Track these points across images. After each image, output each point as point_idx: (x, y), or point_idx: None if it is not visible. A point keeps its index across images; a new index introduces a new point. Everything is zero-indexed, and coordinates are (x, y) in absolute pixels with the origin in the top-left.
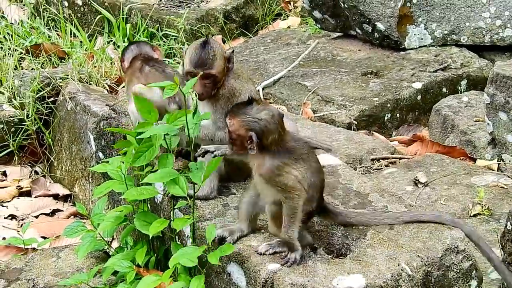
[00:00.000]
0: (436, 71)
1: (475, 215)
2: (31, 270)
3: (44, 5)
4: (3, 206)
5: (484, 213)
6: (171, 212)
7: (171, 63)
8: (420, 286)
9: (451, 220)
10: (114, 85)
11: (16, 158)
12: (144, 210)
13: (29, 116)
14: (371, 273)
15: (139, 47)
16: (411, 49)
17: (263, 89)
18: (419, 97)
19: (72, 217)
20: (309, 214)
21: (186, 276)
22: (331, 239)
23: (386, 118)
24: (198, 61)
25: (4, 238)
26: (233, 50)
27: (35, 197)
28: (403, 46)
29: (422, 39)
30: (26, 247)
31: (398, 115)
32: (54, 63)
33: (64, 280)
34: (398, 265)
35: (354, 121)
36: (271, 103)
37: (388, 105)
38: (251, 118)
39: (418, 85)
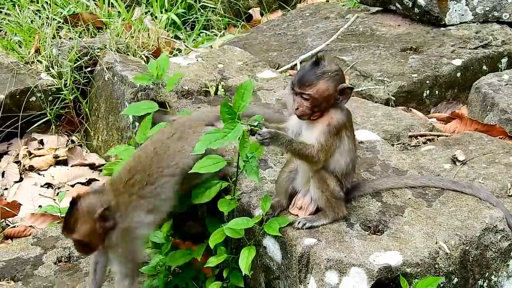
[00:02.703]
0: (476, 48)
1: None
2: (67, 239)
3: None
4: (39, 174)
5: None
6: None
7: (208, 35)
8: (457, 265)
9: (467, 185)
10: (151, 56)
11: (53, 127)
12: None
13: (67, 85)
14: (408, 250)
15: None
16: (452, 25)
17: (300, 63)
18: (458, 74)
19: None
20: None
21: (223, 248)
22: (368, 215)
23: (424, 94)
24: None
25: (40, 206)
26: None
27: (72, 166)
28: (443, 22)
29: (463, 15)
30: (62, 215)
31: (437, 92)
32: (92, 33)
33: None
34: (436, 243)
35: (392, 97)
36: None
37: (427, 81)
38: (332, 74)
39: (458, 62)
